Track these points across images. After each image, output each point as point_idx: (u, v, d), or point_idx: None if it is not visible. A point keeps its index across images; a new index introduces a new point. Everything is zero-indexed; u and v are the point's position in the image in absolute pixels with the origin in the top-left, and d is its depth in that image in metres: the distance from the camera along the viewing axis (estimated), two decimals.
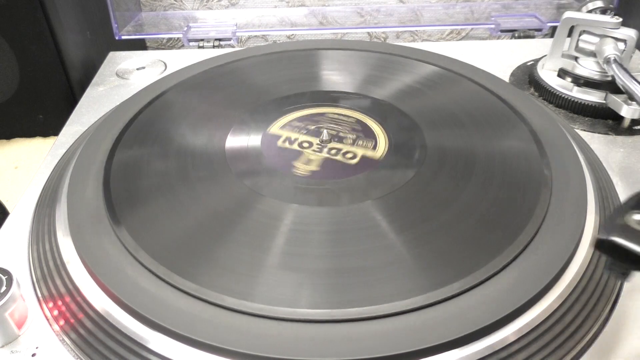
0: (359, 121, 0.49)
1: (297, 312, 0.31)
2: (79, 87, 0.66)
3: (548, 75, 0.57)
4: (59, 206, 0.41)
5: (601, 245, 0.29)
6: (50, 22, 0.62)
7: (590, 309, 0.33)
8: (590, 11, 0.55)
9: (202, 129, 0.48)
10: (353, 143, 0.46)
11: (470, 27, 0.88)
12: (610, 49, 0.51)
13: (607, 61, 0.50)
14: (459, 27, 0.88)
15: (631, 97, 0.48)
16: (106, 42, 0.75)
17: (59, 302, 0.34)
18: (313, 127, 0.48)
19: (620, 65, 0.49)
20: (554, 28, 0.64)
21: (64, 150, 0.50)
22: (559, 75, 0.56)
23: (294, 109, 0.51)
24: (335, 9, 0.85)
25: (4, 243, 0.40)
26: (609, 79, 0.52)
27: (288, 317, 0.31)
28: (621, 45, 0.51)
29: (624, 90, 0.48)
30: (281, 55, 0.60)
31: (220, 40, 0.71)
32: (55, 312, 0.34)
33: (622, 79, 0.48)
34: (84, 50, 0.69)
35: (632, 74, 0.52)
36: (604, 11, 0.54)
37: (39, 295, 0.36)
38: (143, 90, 0.54)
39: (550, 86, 0.55)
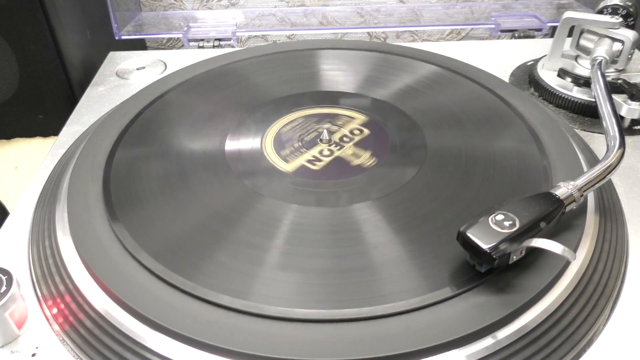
0: (359, 121, 0.49)
1: (296, 311, 0.31)
2: (79, 87, 0.66)
3: (548, 75, 0.57)
4: (59, 206, 0.41)
5: (457, 237, 0.32)
6: (50, 22, 0.62)
7: (590, 309, 0.33)
8: (606, 7, 0.55)
9: (202, 129, 0.48)
10: (352, 143, 0.46)
11: (470, 27, 0.88)
12: (601, 50, 0.51)
13: (593, 63, 0.50)
14: (459, 27, 0.88)
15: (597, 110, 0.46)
16: (106, 42, 0.75)
17: (59, 302, 0.34)
18: (313, 127, 0.48)
19: (602, 74, 0.48)
20: (554, 28, 0.64)
21: (64, 150, 0.50)
22: (559, 75, 0.56)
23: (294, 109, 0.51)
24: (335, 9, 0.85)
25: (4, 243, 0.40)
26: (609, 79, 0.52)
27: (287, 316, 0.31)
28: (618, 46, 0.51)
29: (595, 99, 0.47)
30: (281, 55, 0.60)
31: (220, 40, 0.71)
32: (55, 312, 0.34)
33: (597, 90, 0.47)
34: (84, 50, 0.69)
35: (632, 73, 0.53)
36: (616, 10, 0.54)
37: (39, 295, 0.36)
38: (143, 90, 0.54)
39: (550, 86, 0.55)
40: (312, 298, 0.32)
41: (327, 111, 0.50)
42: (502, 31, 0.73)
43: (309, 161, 0.44)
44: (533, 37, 0.71)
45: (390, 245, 0.36)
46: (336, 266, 0.34)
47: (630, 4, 0.55)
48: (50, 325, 0.34)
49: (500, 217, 0.31)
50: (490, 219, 0.31)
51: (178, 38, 0.91)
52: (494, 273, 0.33)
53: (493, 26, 0.73)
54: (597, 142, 0.49)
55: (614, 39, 0.52)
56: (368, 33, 0.91)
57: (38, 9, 0.61)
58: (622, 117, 0.50)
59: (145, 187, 0.41)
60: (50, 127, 0.68)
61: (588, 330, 0.32)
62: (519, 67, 0.62)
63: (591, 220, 0.38)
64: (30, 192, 0.45)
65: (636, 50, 0.54)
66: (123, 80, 0.62)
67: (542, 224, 0.32)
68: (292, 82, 0.55)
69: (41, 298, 0.35)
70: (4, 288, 0.32)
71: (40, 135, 0.69)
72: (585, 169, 0.42)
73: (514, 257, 0.32)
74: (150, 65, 0.64)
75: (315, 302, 0.32)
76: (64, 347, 0.33)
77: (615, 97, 0.49)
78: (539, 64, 0.58)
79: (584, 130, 0.51)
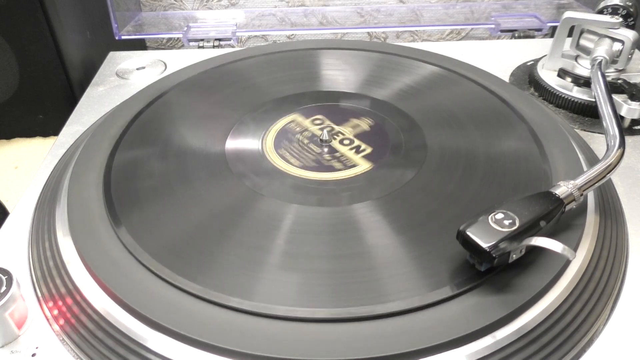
0: (359, 121, 0.49)
1: (297, 311, 0.31)
2: (79, 87, 0.66)
3: (548, 75, 0.57)
4: (59, 206, 0.41)
5: (457, 236, 0.32)
6: (50, 22, 0.62)
7: (590, 308, 0.33)
8: (606, 7, 0.55)
9: (202, 129, 0.48)
10: (352, 143, 0.46)
11: (470, 27, 0.88)
12: (601, 50, 0.51)
13: (593, 63, 0.50)
14: (459, 27, 0.88)
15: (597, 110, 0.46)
16: (106, 42, 0.75)
17: (59, 302, 0.34)
18: (313, 127, 0.48)
19: (602, 74, 0.48)
20: (554, 28, 0.64)
21: (64, 150, 0.50)
22: (559, 75, 0.56)
23: (294, 109, 0.51)
24: (335, 9, 0.85)
25: (4, 243, 0.40)
26: (609, 79, 0.52)
27: (288, 316, 0.31)
28: (618, 46, 0.51)
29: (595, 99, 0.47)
30: (281, 55, 0.60)
31: (220, 40, 0.71)
32: (55, 312, 0.34)
33: (597, 90, 0.47)
34: (84, 50, 0.69)
35: (632, 73, 0.53)
36: (616, 10, 0.54)
37: (39, 295, 0.36)
38: (143, 90, 0.54)
39: (550, 86, 0.55)
40: (312, 298, 0.32)
41: (327, 111, 0.50)
42: (502, 31, 0.73)
43: (308, 161, 0.44)
44: (533, 37, 0.71)
45: (390, 245, 0.36)
46: (336, 266, 0.34)
47: (630, 4, 0.55)
48: (50, 325, 0.34)
49: (500, 216, 0.32)
50: (490, 217, 0.31)
51: (178, 38, 0.91)
52: (493, 272, 0.33)
53: (493, 26, 0.73)
54: (597, 142, 0.49)
55: (614, 39, 0.52)
56: (368, 33, 0.91)
57: (38, 9, 0.61)
58: (622, 117, 0.50)
59: (145, 187, 0.41)
60: (50, 127, 0.68)
61: (588, 330, 0.32)
62: (519, 67, 0.62)
63: (591, 219, 0.38)
64: (30, 192, 0.45)
65: (636, 50, 0.54)
66: (123, 80, 0.62)
67: (542, 223, 0.32)
68: (292, 82, 0.55)
69: (41, 298, 0.35)
70: (4, 288, 0.32)
71: (40, 135, 0.69)
72: (585, 168, 0.42)
73: (514, 256, 0.32)
74: (150, 65, 0.64)
75: (315, 302, 0.32)
76: (64, 347, 0.33)
77: (615, 97, 0.49)
78: (539, 64, 0.58)
79: (584, 130, 0.51)
